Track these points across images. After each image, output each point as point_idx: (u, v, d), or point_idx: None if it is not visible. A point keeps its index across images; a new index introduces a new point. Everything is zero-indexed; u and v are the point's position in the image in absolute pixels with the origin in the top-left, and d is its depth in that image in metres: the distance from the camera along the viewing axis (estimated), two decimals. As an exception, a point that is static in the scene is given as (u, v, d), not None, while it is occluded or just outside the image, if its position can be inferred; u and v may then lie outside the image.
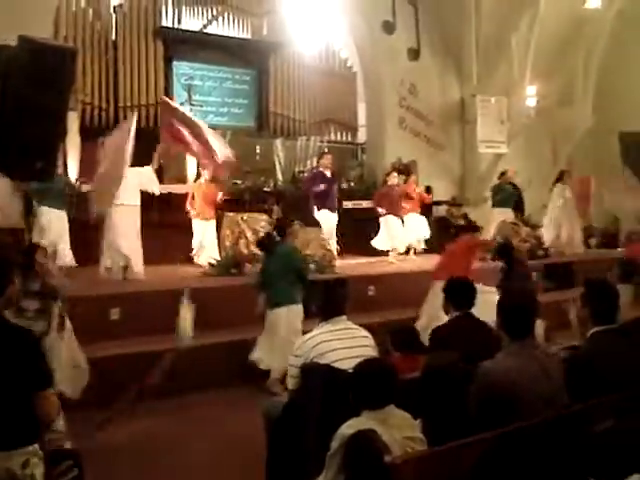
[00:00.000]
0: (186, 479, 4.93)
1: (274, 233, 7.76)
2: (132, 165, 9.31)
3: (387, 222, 11.71)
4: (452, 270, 6.55)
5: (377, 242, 11.86)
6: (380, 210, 11.76)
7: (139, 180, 9.45)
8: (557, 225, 13.10)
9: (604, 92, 16.80)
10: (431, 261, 11.85)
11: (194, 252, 11.08)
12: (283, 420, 4.05)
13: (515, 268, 7.70)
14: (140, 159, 9.62)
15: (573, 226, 13.27)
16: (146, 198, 9.81)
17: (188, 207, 11.08)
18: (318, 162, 12.00)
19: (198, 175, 11.38)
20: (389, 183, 12.01)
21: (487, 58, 15.68)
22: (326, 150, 13.13)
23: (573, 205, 13.29)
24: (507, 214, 13.20)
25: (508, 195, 13.53)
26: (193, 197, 11.14)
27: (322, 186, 11.13)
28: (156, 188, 9.78)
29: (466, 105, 16.20)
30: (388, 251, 11.87)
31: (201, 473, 4.99)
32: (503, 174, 14.05)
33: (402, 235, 11.88)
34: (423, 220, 12.64)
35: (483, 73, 15.83)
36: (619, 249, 12.88)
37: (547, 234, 13.10)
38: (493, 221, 13.54)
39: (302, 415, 3.84)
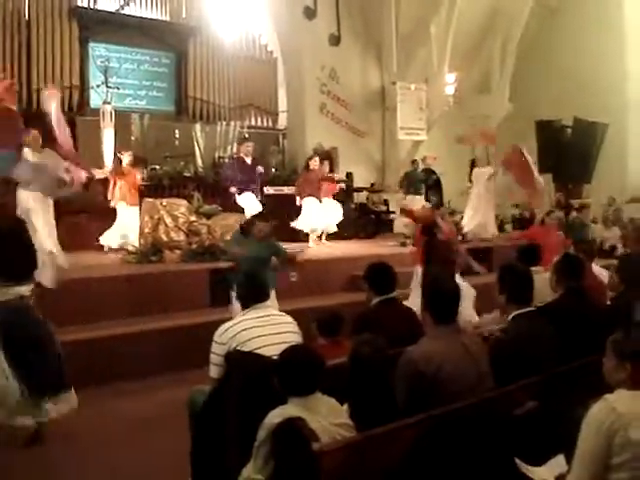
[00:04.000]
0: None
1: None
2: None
3: (307, 203, 11.71)
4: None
5: (298, 223, 11.83)
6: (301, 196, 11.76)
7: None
8: (474, 211, 13.30)
9: (521, 80, 17.19)
10: (351, 247, 12.01)
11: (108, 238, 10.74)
12: (206, 409, 3.97)
13: (437, 252, 7.75)
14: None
15: (488, 212, 13.50)
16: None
17: (110, 195, 10.77)
18: (238, 149, 11.87)
19: (119, 160, 11.00)
20: (311, 167, 11.96)
21: (407, 45, 15.85)
22: (247, 136, 13.02)
23: (489, 190, 13.51)
24: (418, 201, 13.40)
25: (416, 182, 13.75)
26: (115, 184, 10.80)
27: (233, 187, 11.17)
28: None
29: (386, 92, 16.35)
30: (307, 235, 11.85)
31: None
32: (414, 161, 14.29)
33: (320, 217, 11.88)
34: (337, 206, 12.57)
35: (403, 60, 15.98)
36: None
37: (467, 220, 13.27)
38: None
39: (226, 404, 3.78)
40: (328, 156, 13.78)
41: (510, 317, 3.93)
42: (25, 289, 5.05)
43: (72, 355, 6.44)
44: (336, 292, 9.30)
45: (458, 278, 6.98)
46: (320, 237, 12.26)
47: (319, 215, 11.83)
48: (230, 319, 4.40)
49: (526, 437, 3.20)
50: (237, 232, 7.59)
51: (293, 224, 11.76)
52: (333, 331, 4.51)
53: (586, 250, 6.51)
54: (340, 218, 12.44)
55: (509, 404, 3.28)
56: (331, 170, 13.25)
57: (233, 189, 11.20)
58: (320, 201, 11.85)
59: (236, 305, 6.51)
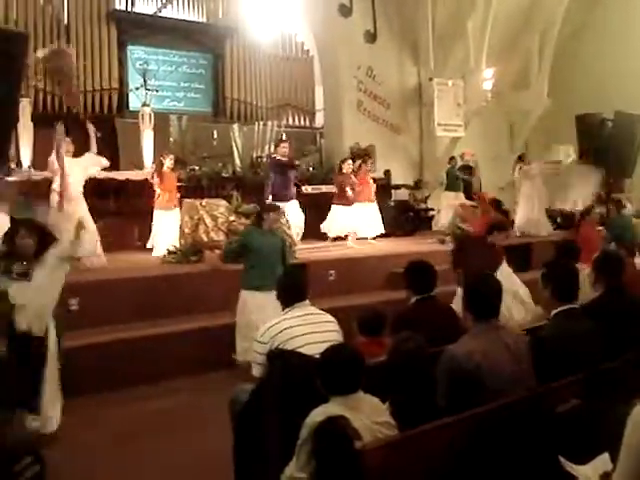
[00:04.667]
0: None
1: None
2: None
3: (334, 209, 11.61)
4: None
5: (323, 226, 11.73)
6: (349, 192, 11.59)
7: (82, 169, 9.03)
8: (527, 207, 13.22)
9: (560, 75, 16.97)
10: (390, 245, 11.96)
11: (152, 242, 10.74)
12: (248, 408, 4.01)
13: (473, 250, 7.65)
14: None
15: (540, 209, 13.41)
16: (104, 185, 9.60)
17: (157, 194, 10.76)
18: (275, 149, 11.83)
19: (160, 163, 10.99)
20: (343, 171, 11.69)
21: (444, 41, 15.74)
22: (284, 136, 13.03)
23: (540, 186, 13.40)
24: (455, 197, 13.33)
25: (453, 178, 13.69)
26: (161, 183, 10.74)
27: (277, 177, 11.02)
28: (103, 162, 9.34)
29: (423, 88, 16.25)
30: (346, 235, 11.77)
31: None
32: (452, 158, 14.21)
33: (349, 221, 11.74)
34: (375, 212, 12.20)
35: (440, 56, 15.87)
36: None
37: (519, 217, 13.27)
38: (445, 205, 13.70)
39: (268, 402, 3.81)
40: (365, 154, 13.69)
41: (552, 314, 3.91)
42: None
43: (112, 355, 6.59)
44: (374, 290, 9.29)
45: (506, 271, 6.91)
46: (353, 238, 11.99)
47: (347, 219, 11.70)
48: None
49: (570, 435, 3.18)
50: (252, 227, 7.55)
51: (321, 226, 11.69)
52: (375, 330, 4.49)
53: (627, 246, 6.43)
54: (378, 223, 12.15)
55: (552, 401, 3.25)
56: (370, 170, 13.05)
57: (270, 198, 10.88)
58: (351, 204, 11.68)
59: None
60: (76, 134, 9.42)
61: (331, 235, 11.84)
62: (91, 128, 9.30)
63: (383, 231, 12.17)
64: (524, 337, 3.67)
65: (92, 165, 9.17)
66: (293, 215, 10.58)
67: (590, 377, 3.46)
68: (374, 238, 12.11)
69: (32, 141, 11.39)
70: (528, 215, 13.19)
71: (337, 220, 11.63)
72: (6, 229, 5.42)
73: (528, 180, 13.25)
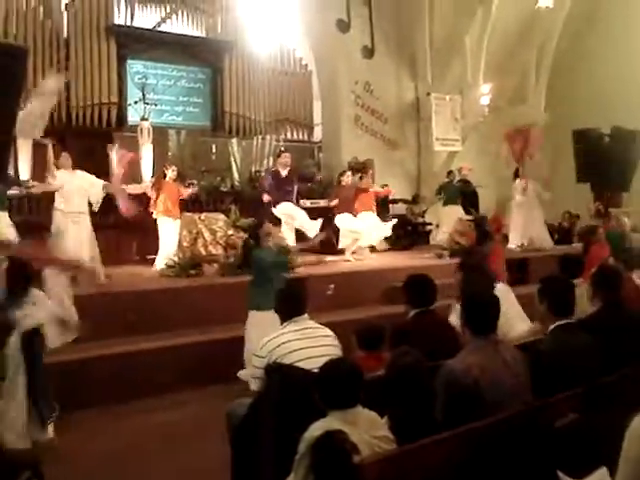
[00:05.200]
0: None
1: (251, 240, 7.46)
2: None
3: (339, 219, 11.62)
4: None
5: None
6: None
7: (87, 183, 9.01)
8: (523, 225, 13.10)
9: (557, 90, 17.04)
10: (388, 259, 11.96)
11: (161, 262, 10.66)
12: (246, 422, 4.01)
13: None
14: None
15: (539, 223, 13.35)
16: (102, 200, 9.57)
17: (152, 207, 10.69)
18: (275, 161, 11.90)
19: (163, 174, 10.99)
20: (343, 183, 11.80)
21: (441, 56, 15.82)
22: (283, 149, 13.08)
23: (536, 201, 13.34)
24: (455, 211, 13.33)
25: (453, 192, 13.70)
26: (157, 196, 10.68)
27: (266, 195, 11.16)
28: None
29: (421, 103, 16.31)
30: (344, 250, 11.75)
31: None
32: (450, 172, 14.23)
33: (359, 229, 11.71)
34: (376, 219, 12.16)
35: (437, 71, 15.95)
36: (573, 245, 13.01)
37: (512, 235, 13.02)
38: (443, 219, 13.69)
39: (266, 417, 3.81)
40: (364, 167, 13.74)
41: (550, 329, 3.92)
42: None
43: (108, 368, 6.58)
44: (372, 304, 9.29)
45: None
46: (354, 252, 12.05)
47: (353, 223, 11.67)
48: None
49: (568, 449, 3.18)
50: (254, 247, 7.29)
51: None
52: (373, 344, 4.48)
53: (626, 260, 6.43)
54: (383, 231, 12.15)
55: (550, 416, 3.26)
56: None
57: (266, 197, 11.18)
58: (355, 215, 11.73)
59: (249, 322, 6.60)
60: (76, 149, 9.44)
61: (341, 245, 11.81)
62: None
63: (389, 233, 12.15)
64: (521, 352, 3.67)
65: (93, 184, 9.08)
66: (295, 210, 10.75)
67: (588, 391, 3.46)
68: (372, 251, 12.13)
69: (31, 155, 11.40)
70: (526, 230, 13.11)
71: (344, 225, 11.58)
72: None
73: (523, 195, 13.18)
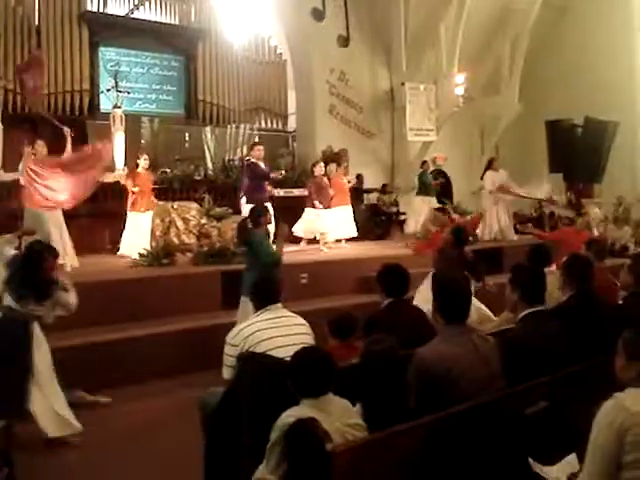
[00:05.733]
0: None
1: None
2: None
3: (307, 211, 11.62)
4: None
5: (296, 228, 11.70)
6: (317, 204, 11.60)
7: None
8: (488, 215, 13.18)
9: (530, 81, 17.14)
10: (361, 248, 11.99)
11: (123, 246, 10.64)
12: (219, 411, 4.00)
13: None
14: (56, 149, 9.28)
15: (504, 214, 13.42)
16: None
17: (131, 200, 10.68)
18: (249, 152, 11.76)
19: (135, 165, 10.92)
20: (315, 174, 11.80)
21: (416, 46, 15.84)
22: (257, 139, 13.02)
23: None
24: (428, 202, 13.37)
25: (427, 183, 13.74)
26: (134, 188, 10.64)
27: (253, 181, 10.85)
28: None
29: (395, 92, 16.32)
30: (317, 239, 11.76)
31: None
32: (424, 162, 14.26)
33: (323, 223, 11.73)
34: (349, 215, 12.30)
35: (412, 61, 15.97)
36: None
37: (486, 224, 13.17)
38: (416, 209, 13.71)
39: (238, 405, 3.80)
40: (337, 158, 13.70)
41: (520, 316, 3.95)
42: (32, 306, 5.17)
43: (82, 359, 6.52)
44: (346, 294, 9.31)
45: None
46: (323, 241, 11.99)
47: (321, 221, 11.70)
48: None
49: (538, 436, 3.21)
50: (250, 230, 7.03)
51: (294, 229, 11.60)
52: (346, 333, 4.51)
53: (597, 250, 6.49)
54: (351, 226, 12.23)
55: (520, 403, 3.28)
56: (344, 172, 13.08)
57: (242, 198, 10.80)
58: (328, 207, 11.74)
59: (242, 308, 6.54)
60: (48, 134, 9.34)
61: (304, 237, 11.84)
62: (65, 129, 9.26)
63: (355, 234, 12.21)
64: (492, 339, 3.70)
65: None
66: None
67: (558, 379, 3.49)
68: (347, 240, 12.15)
69: (1, 141, 11.25)
70: (493, 222, 13.17)
71: (309, 223, 11.63)
72: None
73: (491, 186, 13.22)
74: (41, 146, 8.92)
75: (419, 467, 2.86)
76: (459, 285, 3.70)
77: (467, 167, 16.22)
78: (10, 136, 10.90)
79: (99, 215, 11.04)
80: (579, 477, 2.74)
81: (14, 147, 9.87)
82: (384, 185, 15.60)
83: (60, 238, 8.58)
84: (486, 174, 13.46)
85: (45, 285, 5.15)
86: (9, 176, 9.38)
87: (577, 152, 15.20)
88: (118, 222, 10.72)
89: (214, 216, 10.06)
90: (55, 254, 5.52)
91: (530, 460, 3.15)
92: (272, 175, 11.04)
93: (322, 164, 12.01)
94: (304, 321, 4.47)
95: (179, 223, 9.93)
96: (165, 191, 11.91)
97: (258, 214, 7.02)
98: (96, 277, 8.39)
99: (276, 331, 4.19)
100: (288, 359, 3.38)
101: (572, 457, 3.10)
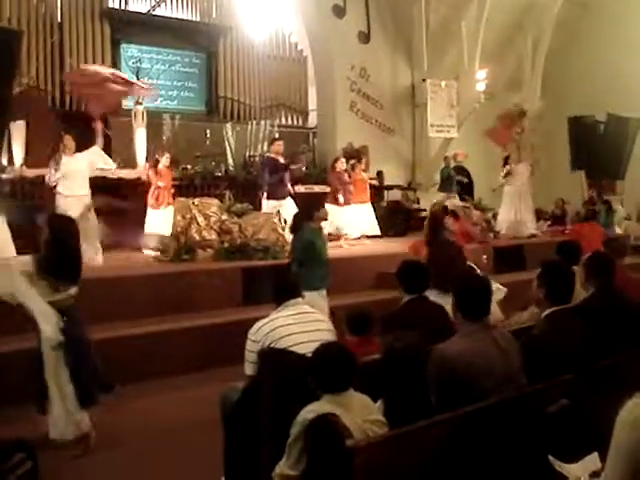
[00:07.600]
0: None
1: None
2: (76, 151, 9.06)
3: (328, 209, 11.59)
4: None
5: None
6: (339, 197, 11.59)
7: (86, 165, 9.11)
8: (509, 209, 13.12)
9: (553, 77, 17.02)
10: (381, 245, 11.95)
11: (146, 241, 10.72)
12: (240, 406, 4.01)
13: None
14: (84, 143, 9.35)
15: (525, 210, 13.33)
16: (97, 184, 9.57)
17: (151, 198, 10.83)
18: (269, 148, 11.80)
19: (156, 162, 11.05)
20: (337, 170, 11.80)
21: (437, 42, 15.79)
22: (277, 135, 13.03)
23: (525, 188, 13.30)
24: (448, 198, 13.28)
25: (448, 179, 13.67)
26: (153, 185, 10.81)
27: (273, 176, 10.86)
28: (109, 162, 9.50)
29: (416, 89, 16.29)
30: (339, 236, 11.75)
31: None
32: (446, 158, 14.20)
33: (344, 220, 11.72)
34: (370, 213, 12.33)
35: (433, 57, 15.92)
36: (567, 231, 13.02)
37: (501, 217, 13.18)
38: None
39: (259, 401, 3.81)
40: (357, 155, 13.67)
41: (544, 315, 3.92)
42: (74, 290, 5.08)
43: (103, 354, 6.54)
44: (364, 290, 9.30)
45: None
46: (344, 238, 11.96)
47: (340, 219, 11.69)
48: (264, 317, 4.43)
49: (560, 434, 3.19)
50: (304, 225, 7.11)
51: None
52: (362, 329, 4.54)
53: (617, 248, 6.42)
54: (373, 223, 12.24)
55: (542, 401, 3.27)
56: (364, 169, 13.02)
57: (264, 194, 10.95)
58: (348, 203, 11.74)
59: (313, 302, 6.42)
60: (78, 130, 9.41)
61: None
62: (99, 125, 9.32)
63: (379, 232, 12.18)
64: (513, 336, 3.68)
65: (98, 157, 9.19)
66: (289, 213, 10.56)
67: (580, 377, 3.47)
68: (368, 237, 12.13)
69: (24, 139, 11.35)
70: (509, 217, 13.10)
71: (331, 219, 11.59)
72: None
73: (512, 181, 13.16)
74: (69, 140, 8.99)
75: (440, 463, 2.86)
76: (478, 281, 3.69)
77: (488, 164, 16.10)
78: (33, 133, 11.01)
79: (120, 212, 11.09)
80: (601, 477, 2.72)
81: (36, 144, 9.96)
82: (409, 182, 15.56)
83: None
84: (506, 169, 13.37)
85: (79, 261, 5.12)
86: (32, 172, 9.46)
87: (599, 149, 15.05)
88: (139, 218, 10.78)
89: (235, 212, 10.09)
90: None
91: (550, 458, 3.13)
92: (292, 167, 11.04)
93: (343, 160, 12.02)
94: (324, 317, 4.48)
95: (200, 219, 9.96)
96: (186, 187, 11.95)
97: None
98: (117, 272, 8.46)
99: (297, 327, 4.19)
100: (309, 355, 3.39)
101: (594, 455, 3.08)
